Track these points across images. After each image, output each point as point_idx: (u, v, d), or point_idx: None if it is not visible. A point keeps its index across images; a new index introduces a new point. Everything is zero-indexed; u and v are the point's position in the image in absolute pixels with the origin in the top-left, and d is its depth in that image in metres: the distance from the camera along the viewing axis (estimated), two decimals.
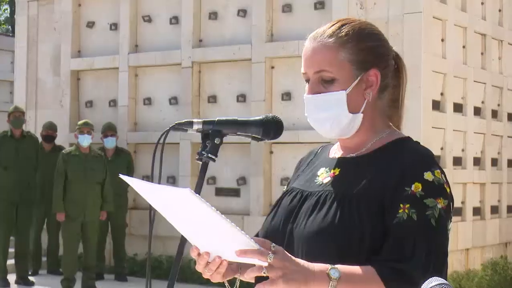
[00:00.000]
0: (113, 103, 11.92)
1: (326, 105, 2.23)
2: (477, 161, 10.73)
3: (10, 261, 10.53)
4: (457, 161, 10.19)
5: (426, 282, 1.81)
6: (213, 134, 2.15)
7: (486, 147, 10.90)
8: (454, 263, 9.91)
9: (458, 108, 10.28)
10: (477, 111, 10.75)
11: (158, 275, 10.97)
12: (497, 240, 11.12)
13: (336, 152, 2.38)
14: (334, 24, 2.29)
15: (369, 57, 2.25)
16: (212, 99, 10.95)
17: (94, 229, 9.91)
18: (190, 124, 2.15)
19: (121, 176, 2.14)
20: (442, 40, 9.92)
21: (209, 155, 2.13)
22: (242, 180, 10.58)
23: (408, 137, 2.31)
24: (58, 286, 9.88)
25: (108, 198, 9.97)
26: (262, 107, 10.29)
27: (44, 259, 11.40)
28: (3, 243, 10.28)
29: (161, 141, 2.18)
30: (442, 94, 9.97)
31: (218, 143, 2.14)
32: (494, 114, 11.19)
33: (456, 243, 9.98)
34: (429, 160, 2.20)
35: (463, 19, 10.37)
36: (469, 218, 10.39)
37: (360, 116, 2.25)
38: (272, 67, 10.44)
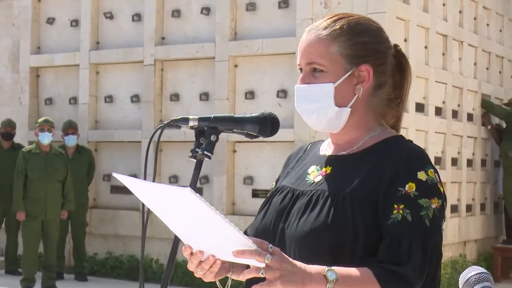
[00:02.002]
0: (73, 100, 11.78)
1: (313, 96, 2.22)
2: (437, 161, 10.81)
3: None
4: None
5: (466, 271, 1.81)
6: (209, 131, 2.12)
7: (446, 147, 11.00)
8: None
9: (420, 108, 10.35)
10: (438, 111, 10.84)
11: (119, 274, 10.89)
12: (457, 239, 11.22)
13: (327, 149, 2.35)
14: (330, 18, 2.28)
15: (362, 52, 2.24)
16: (175, 97, 10.89)
17: (55, 228, 9.79)
18: (186, 120, 2.12)
19: (114, 174, 2.09)
20: (405, 40, 9.98)
21: (205, 152, 2.10)
22: (205, 179, 10.53)
23: (401, 135, 2.30)
24: (17, 286, 9.73)
25: (69, 196, 9.86)
26: (225, 105, 10.25)
27: (1, 259, 11.23)
28: None
29: (155, 138, 2.14)
30: None
31: (214, 140, 2.12)
32: (455, 114, 11.30)
33: None
34: (422, 159, 2.18)
35: (425, 20, 10.45)
36: None
37: (347, 110, 2.23)
38: (236, 66, 10.41)
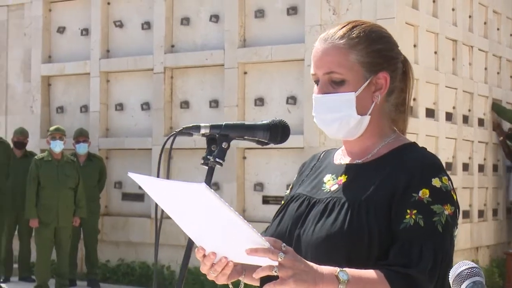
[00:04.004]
0: (84, 108, 11.84)
1: (335, 106, 2.23)
2: (448, 166, 10.80)
3: None
4: None
5: (456, 265, 1.82)
6: (220, 139, 2.14)
7: (457, 152, 10.99)
8: None
9: (430, 113, 10.35)
10: (449, 117, 10.83)
11: (130, 281, 10.92)
12: (469, 244, 11.20)
13: (341, 158, 2.37)
14: (344, 26, 2.29)
15: (379, 59, 2.25)
16: (185, 104, 10.92)
17: (67, 235, 9.86)
18: (198, 128, 2.14)
19: (129, 174, 2.11)
20: (415, 45, 9.98)
21: (217, 159, 2.13)
22: (215, 186, 10.55)
23: (414, 142, 2.32)
24: None
25: (81, 204, 9.93)
26: (234, 112, 10.28)
27: (15, 266, 11.28)
28: None
29: (168, 145, 2.16)
30: (414, 99, 10.02)
31: (225, 147, 2.15)
32: (465, 119, 11.28)
33: None
34: (437, 166, 2.20)
35: (435, 25, 10.45)
36: None
37: (367, 118, 2.26)
38: (245, 73, 10.44)
